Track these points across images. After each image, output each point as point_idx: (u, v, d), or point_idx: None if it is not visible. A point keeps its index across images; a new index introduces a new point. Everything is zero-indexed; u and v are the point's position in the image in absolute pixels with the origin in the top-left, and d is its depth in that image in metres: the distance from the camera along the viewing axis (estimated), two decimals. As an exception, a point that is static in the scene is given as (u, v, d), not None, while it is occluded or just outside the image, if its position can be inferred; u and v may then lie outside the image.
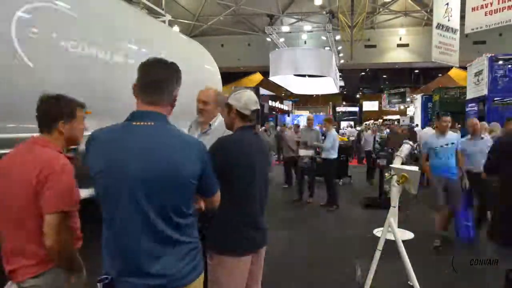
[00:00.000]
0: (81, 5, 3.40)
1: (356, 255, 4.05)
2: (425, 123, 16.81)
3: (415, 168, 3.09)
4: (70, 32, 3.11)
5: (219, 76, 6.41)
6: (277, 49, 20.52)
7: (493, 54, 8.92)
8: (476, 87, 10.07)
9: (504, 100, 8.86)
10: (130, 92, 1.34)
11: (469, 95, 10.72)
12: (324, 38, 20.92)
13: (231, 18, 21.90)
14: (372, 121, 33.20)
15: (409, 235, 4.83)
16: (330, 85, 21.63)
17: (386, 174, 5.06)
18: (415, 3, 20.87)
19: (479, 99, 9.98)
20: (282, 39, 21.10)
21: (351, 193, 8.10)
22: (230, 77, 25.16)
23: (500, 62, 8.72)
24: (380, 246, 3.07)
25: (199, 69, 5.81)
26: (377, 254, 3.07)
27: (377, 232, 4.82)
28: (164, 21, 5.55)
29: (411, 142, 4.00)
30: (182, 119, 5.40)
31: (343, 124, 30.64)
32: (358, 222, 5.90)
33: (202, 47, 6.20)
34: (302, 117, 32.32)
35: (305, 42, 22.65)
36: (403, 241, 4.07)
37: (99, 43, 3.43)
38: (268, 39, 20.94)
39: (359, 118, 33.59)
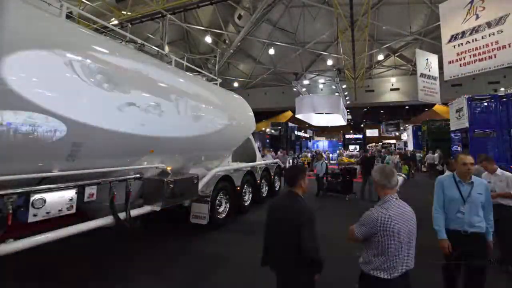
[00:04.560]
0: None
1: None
2: (416, 147, 15.09)
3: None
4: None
5: (253, 116, 6.24)
6: (301, 95, 20.38)
7: (470, 95, 7.69)
8: (458, 120, 8.73)
9: (484, 131, 7.49)
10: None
11: (453, 127, 9.35)
12: (334, 87, 20.31)
13: (271, 75, 22.36)
14: (374, 144, 30.74)
15: None
16: (339, 119, 20.72)
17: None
18: (401, 59, 19.50)
19: (461, 130, 8.62)
20: (304, 89, 20.96)
21: (357, 207, 6.35)
22: (270, 114, 25.69)
23: (476, 102, 7.49)
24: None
25: (242, 113, 5.77)
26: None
27: None
28: (216, 83, 5.58)
29: (404, 175, 3.37)
30: (226, 150, 5.34)
31: (351, 147, 28.64)
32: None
33: (242, 98, 6.15)
34: (320, 142, 30.96)
35: (321, 90, 22.16)
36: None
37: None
38: (295, 89, 20.86)
39: (363, 142, 31.29)
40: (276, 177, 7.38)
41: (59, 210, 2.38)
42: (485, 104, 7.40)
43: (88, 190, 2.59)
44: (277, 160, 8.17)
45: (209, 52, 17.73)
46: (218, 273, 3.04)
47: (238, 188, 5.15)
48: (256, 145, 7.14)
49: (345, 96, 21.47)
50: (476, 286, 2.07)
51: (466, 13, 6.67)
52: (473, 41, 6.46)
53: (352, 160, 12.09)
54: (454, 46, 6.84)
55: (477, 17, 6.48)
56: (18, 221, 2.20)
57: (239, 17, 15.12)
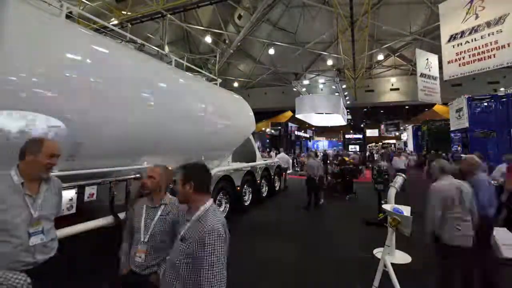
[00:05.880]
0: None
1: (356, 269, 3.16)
2: (416, 147, 15.12)
3: (407, 212, 2.17)
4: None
5: (253, 116, 6.20)
6: (301, 95, 20.39)
7: (470, 95, 7.69)
8: (458, 120, 8.74)
9: (484, 131, 7.51)
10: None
11: (453, 127, 9.36)
12: (334, 87, 20.31)
13: (271, 75, 22.33)
14: (374, 144, 30.75)
15: (406, 258, 3.40)
16: (339, 119, 20.75)
17: (380, 214, 3.68)
18: (401, 59, 19.50)
19: (461, 130, 8.63)
20: (304, 89, 20.95)
21: (357, 208, 6.11)
22: (270, 114, 25.77)
23: (476, 102, 7.50)
24: (380, 267, 2.27)
25: (242, 113, 5.75)
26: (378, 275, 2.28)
27: (377, 253, 3.57)
28: (216, 83, 5.57)
29: (404, 175, 3.31)
30: (226, 150, 5.35)
31: (351, 147, 28.49)
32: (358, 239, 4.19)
33: (242, 98, 6.13)
34: (320, 142, 30.94)
35: (321, 90, 22.14)
36: (400, 265, 3.12)
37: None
38: (295, 89, 20.86)
39: (363, 142, 31.18)
40: (276, 177, 7.37)
41: (59, 210, 2.38)
42: (485, 104, 7.41)
43: (88, 190, 2.59)
44: (277, 160, 8.18)
45: (209, 52, 17.73)
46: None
47: (238, 188, 5.16)
48: (256, 145, 7.15)
49: (345, 96, 21.47)
50: None
51: (465, 12, 6.66)
52: (472, 40, 6.46)
53: (351, 160, 11.97)
54: (453, 46, 6.83)
55: (477, 17, 6.48)
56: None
57: (239, 17, 15.13)
